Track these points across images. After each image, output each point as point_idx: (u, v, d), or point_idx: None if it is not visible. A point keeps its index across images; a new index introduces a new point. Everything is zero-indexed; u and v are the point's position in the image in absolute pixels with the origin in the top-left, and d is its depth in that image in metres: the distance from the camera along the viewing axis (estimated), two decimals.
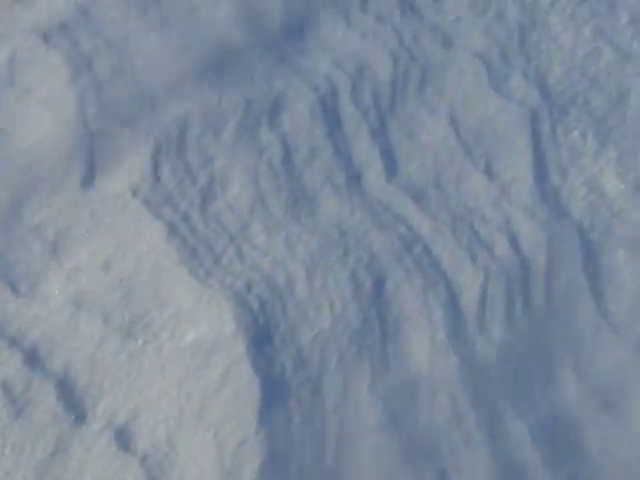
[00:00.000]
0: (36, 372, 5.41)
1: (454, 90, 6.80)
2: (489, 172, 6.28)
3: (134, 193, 6.07)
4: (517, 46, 7.13)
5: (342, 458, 5.00)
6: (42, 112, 6.79)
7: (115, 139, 6.45)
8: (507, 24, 7.33)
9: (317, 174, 6.23)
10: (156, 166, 6.24)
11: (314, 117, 6.55)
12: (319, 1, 7.47)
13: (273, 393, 5.19)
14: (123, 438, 5.10)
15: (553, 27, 7.30)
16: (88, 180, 6.28)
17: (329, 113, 6.62)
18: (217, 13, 7.29)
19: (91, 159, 6.39)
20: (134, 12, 7.28)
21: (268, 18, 7.28)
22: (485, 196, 6.15)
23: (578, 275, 5.73)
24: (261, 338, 5.39)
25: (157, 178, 6.18)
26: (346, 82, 6.81)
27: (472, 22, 7.36)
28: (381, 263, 5.75)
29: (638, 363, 5.33)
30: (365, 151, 6.40)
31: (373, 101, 6.70)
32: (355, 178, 6.22)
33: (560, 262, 5.80)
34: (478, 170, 6.28)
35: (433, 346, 5.37)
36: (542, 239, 5.90)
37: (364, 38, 7.18)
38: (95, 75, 6.86)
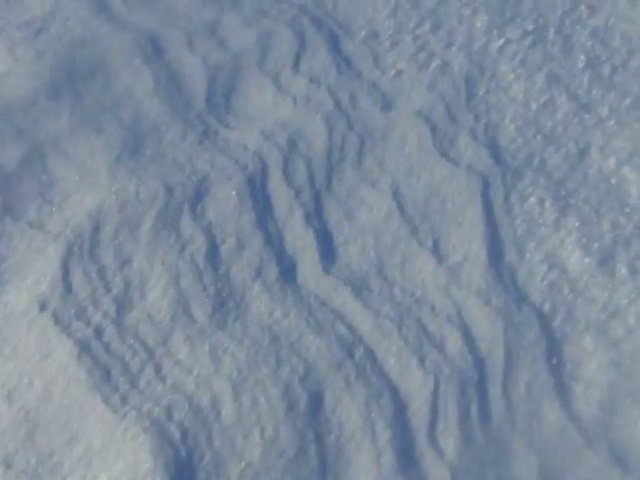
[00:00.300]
0: None
1: (396, 158, 6.19)
2: (437, 253, 5.68)
3: (42, 306, 5.45)
4: (464, 101, 6.52)
5: None
6: None
7: (22, 242, 5.88)
8: (453, 76, 6.69)
9: (246, 269, 5.63)
10: (67, 272, 5.61)
11: (242, 201, 5.94)
12: (246, 63, 6.87)
13: None
14: None
15: (503, 76, 6.68)
16: None
17: (258, 195, 6.03)
18: (135, 87, 6.64)
19: None
20: (44, 91, 6.67)
21: (190, 89, 6.62)
22: (433, 282, 5.55)
23: (540, 371, 5.10)
24: (182, 475, 4.79)
25: (67, 287, 5.56)
26: (277, 157, 6.21)
27: (414, 76, 6.73)
28: (318, 373, 5.12)
29: (613, 476, 4.78)
30: (299, 237, 5.78)
31: (307, 178, 6.10)
32: (288, 271, 5.61)
33: (519, 357, 5.18)
34: (425, 251, 5.66)
35: (379, 472, 4.78)
36: (498, 330, 5.28)
37: (296, 103, 6.56)
38: (0, 167, 6.33)
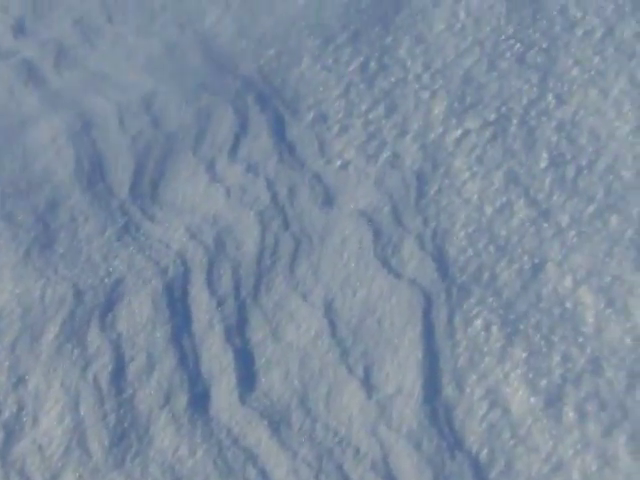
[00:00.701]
0: None
1: (333, 266, 5.63)
2: (368, 383, 5.11)
3: None
4: (413, 201, 5.96)
5: None
6: None
7: None
8: (403, 171, 6.14)
9: (154, 394, 5.05)
10: None
11: (157, 311, 5.40)
12: (180, 146, 6.35)
13: None
14: None
15: (458, 174, 6.13)
16: None
17: (176, 305, 5.46)
18: (55, 168, 6.12)
19: None
20: None
21: (115, 173, 6.11)
22: (361, 418, 4.99)
23: None
24: None
25: None
26: (202, 259, 5.65)
27: (362, 169, 6.19)
28: None
29: None
30: (217, 357, 5.21)
31: (233, 285, 5.55)
32: (200, 398, 5.02)
33: None
34: (355, 380, 5.08)
35: None
36: None
37: (230, 196, 6.00)
38: None
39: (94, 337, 5.24)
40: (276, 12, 7.30)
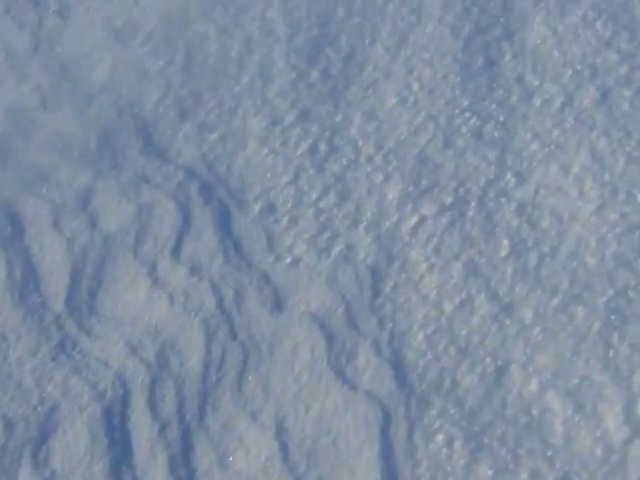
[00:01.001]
0: None
1: (284, 380, 5.28)
2: None
3: None
4: (368, 301, 5.61)
5: None
6: None
7: None
8: (356, 266, 5.78)
9: None
10: None
11: (95, 442, 4.99)
12: (119, 248, 5.90)
13: None
14: None
15: (414, 267, 5.80)
16: None
17: (115, 433, 5.06)
18: None
19: None
20: None
21: (50, 282, 5.64)
22: None
23: None
24: None
25: None
26: (143, 378, 5.24)
27: (313, 266, 5.83)
28: None
29: None
30: None
31: (177, 407, 5.16)
32: None
33: None
34: None
35: None
36: None
37: (173, 302, 5.64)
38: None
39: (26, 476, 4.84)
40: (219, 91, 6.95)
